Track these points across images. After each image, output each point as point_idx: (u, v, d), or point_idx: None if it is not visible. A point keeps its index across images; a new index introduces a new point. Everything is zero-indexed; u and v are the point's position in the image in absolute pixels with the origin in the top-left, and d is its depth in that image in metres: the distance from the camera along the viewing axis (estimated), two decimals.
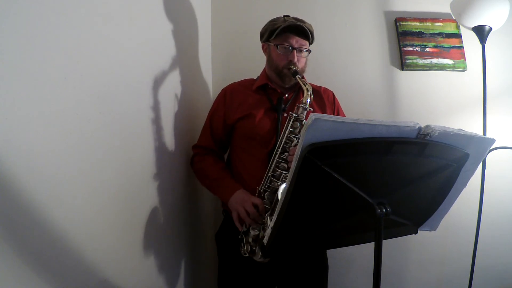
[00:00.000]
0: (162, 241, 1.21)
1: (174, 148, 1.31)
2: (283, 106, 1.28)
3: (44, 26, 0.65)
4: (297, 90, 1.34)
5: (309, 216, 0.78)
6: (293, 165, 0.69)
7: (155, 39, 1.17)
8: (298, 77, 1.20)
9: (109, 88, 0.87)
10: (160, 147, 1.18)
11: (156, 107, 1.15)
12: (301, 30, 1.25)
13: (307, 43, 1.29)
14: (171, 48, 1.30)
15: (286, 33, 1.25)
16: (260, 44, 1.40)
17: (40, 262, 0.64)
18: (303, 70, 1.29)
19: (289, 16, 1.31)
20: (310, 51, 1.31)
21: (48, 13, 0.66)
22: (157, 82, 1.16)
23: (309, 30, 1.26)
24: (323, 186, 0.72)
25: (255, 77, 1.41)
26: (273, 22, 1.31)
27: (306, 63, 1.32)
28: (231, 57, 1.87)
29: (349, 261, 1.80)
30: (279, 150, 1.13)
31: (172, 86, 1.30)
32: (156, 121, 1.16)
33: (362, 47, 1.89)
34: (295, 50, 1.25)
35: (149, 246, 1.10)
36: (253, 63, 1.55)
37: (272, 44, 1.28)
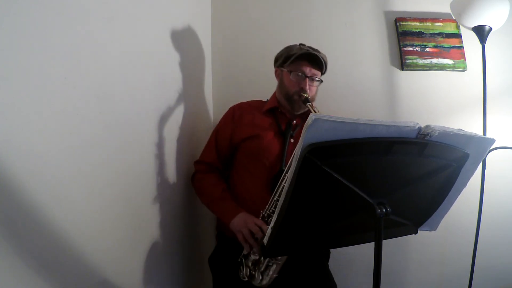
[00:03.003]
0: (161, 242, 1.21)
1: (175, 148, 1.31)
2: (291, 132, 1.28)
3: (44, 26, 0.65)
4: (305, 118, 1.33)
5: (309, 216, 0.78)
6: (293, 165, 0.69)
7: (155, 39, 1.17)
8: (309, 105, 1.20)
9: (109, 88, 0.87)
10: (160, 147, 1.18)
11: (156, 107, 1.15)
12: (316, 60, 1.26)
13: (320, 73, 1.30)
14: (172, 50, 1.30)
15: (300, 61, 1.26)
16: (261, 53, 1.40)
17: (40, 262, 0.64)
18: (313, 99, 1.30)
19: (305, 44, 1.32)
20: (322, 81, 1.32)
21: (48, 13, 0.66)
22: (157, 82, 1.16)
23: (324, 61, 1.27)
24: (323, 186, 0.72)
25: (255, 87, 1.41)
26: (289, 48, 1.32)
27: (316, 92, 1.32)
28: (231, 60, 1.86)
29: (349, 261, 1.80)
30: (287, 175, 1.09)
31: (172, 85, 1.30)
32: (156, 121, 1.16)
33: (362, 47, 1.89)
34: (307, 78, 1.26)
35: (148, 248, 1.10)
36: (253, 70, 1.54)
37: (286, 70, 1.29)
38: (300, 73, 1.26)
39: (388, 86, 1.87)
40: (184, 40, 1.42)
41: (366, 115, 1.82)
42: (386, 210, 0.71)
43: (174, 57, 1.32)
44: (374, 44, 1.89)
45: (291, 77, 1.27)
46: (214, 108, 1.80)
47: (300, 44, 1.32)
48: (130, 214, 1.00)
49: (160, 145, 1.18)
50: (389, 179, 0.76)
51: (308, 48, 1.28)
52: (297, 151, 0.67)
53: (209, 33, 1.84)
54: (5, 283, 0.56)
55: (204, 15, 1.74)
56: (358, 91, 1.85)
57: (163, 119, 1.20)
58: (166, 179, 1.24)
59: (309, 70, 1.26)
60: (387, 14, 1.90)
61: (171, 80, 1.28)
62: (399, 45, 1.87)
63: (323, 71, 1.31)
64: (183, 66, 1.40)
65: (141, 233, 1.06)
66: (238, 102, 1.45)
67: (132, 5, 1.00)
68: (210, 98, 1.80)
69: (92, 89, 0.80)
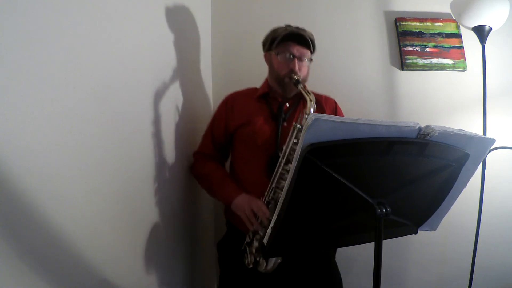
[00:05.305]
0: (161, 241, 1.21)
1: (174, 147, 1.31)
2: (283, 115, 1.27)
3: (44, 26, 0.65)
4: (298, 100, 1.32)
5: (309, 216, 0.78)
6: (293, 165, 0.69)
7: (155, 39, 1.17)
8: (301, 87, 1.17)
9: (109, 88, 0.87)
10: (160, 147, 1.18)
11: (156, 107, 1.15)
12: (302, 39, 1.24)
13: (309, 52, 1.27)
14: (171, 48, 1.30)
15: (287, 42, 1.24)
16: (260, 47, 1.39)
17: (40, 262, 0.64)
18: (305, 79, 1.27)
19: (291, 25, 1.29)
20: (311, 59, 1.30)
21: (48, 13, 0.66)
22: (157, 82, 1.16)
23: (310, 39, 1.25)
24: (323, 186, 0.72)
25: (255, 81, 1.41)
26: (274, 31, 1.31)
27: (308, 71, 1.30)
28: (231, 58, 1.87)
29: (349, 261, 1.80)
30: (283, 161, 1.07)
31: (172, 85, 1.30)
32: (156, 121, 1.16)
33: (362, 47, 1.89)
34: (296, 59, 1.24)
35: (148, 247, 1.10)
36: (253, 66, 1.55)
37: (273, 52, 1.28)
38: (288, 54, 1.24)
39: (388, 86, 1.88)
40: (184, 38, 1.42)
41: (366, 115, 1.83)
42: (386, 210, 0.71)
43: (174, 55, 1.31)
44: (374, 44, 1.89)
45: (279, 58, 1.26)
46: (214, 107, 1.79)
47: (286, 25, 1.29)
48: (130, 212, 1.00)
49: (160, 143, 1.18)
50: (389, 179, 0.76)
51: (294, 28, 1.26)
52: (297, 151, 0.67)
53: (209, 31, 1.84)
54: (5, 283, 0.56)
55: (204, 14, 1.74)
56: (358, 91, 1.85)
57: (162, 118, 1.20)
58: (166, 177, 1.24)
59: (296, 50, 1.24)
60: (387, 14, 1.91)
61: (171, 79, 1.28)
62: (399, 45, 1.87)
63: (312, 50, 1.28)
64: (183, 64, 1.40)
65: (141, 232, 1.06)
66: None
67: (132, 4, 1.00)
68: (210, 97, 1.80)
69: (92, 89, 0.80)
